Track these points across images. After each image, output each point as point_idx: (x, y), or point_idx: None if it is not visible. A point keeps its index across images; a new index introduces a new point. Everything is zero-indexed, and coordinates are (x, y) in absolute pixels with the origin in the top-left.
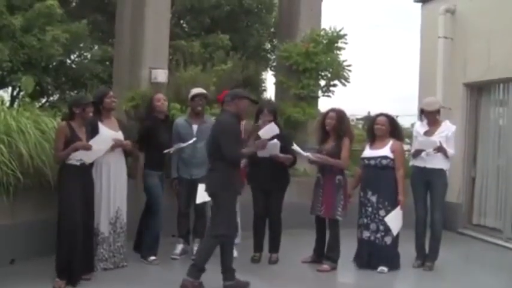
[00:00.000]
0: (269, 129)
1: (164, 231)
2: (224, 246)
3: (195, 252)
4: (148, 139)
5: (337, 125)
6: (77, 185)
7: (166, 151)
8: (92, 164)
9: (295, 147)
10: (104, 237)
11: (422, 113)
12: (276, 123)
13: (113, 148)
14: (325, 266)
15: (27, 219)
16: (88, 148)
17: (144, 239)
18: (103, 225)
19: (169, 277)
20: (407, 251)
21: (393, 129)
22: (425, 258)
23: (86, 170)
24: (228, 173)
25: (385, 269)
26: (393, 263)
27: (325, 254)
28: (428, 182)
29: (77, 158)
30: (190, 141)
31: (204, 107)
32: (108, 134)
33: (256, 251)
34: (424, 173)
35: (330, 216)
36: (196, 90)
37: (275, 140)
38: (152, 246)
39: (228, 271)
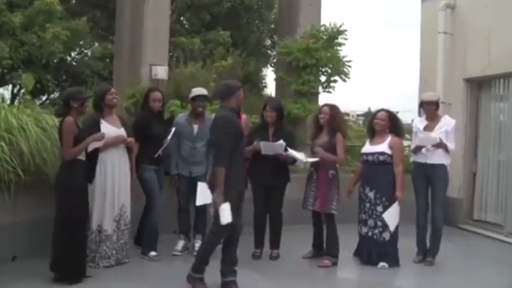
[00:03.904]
0: (273, 146)
1: (165, 227)
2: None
3: (196, 248)
4: (144, 133)
5: (331, 120)
6: (84, 180)
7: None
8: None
9: (290, 152)
10: (107, 235)
11: (421, 106)
12: (281, 126)
13: (116, 144)
14: (326, 262)
15: (28, 216)
16: (102, 138)
17: (143, 235)
18: (107, 222)
19: (170, 273)
20: (408, 246)
21: (393, 125)
22: (426, 253)
23: (85, 165)
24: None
25: (385, 264)
26: (392, 259)
27: (324, 249)
28: (430, 177)
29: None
30: (170, 135)
31: (205, 108)
32: (111, 130)
33: (257, 247)
34: (425, 169)
35: (324, 210)
36: (197, 91)
37: (281, 141)
38: (151, 241)
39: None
